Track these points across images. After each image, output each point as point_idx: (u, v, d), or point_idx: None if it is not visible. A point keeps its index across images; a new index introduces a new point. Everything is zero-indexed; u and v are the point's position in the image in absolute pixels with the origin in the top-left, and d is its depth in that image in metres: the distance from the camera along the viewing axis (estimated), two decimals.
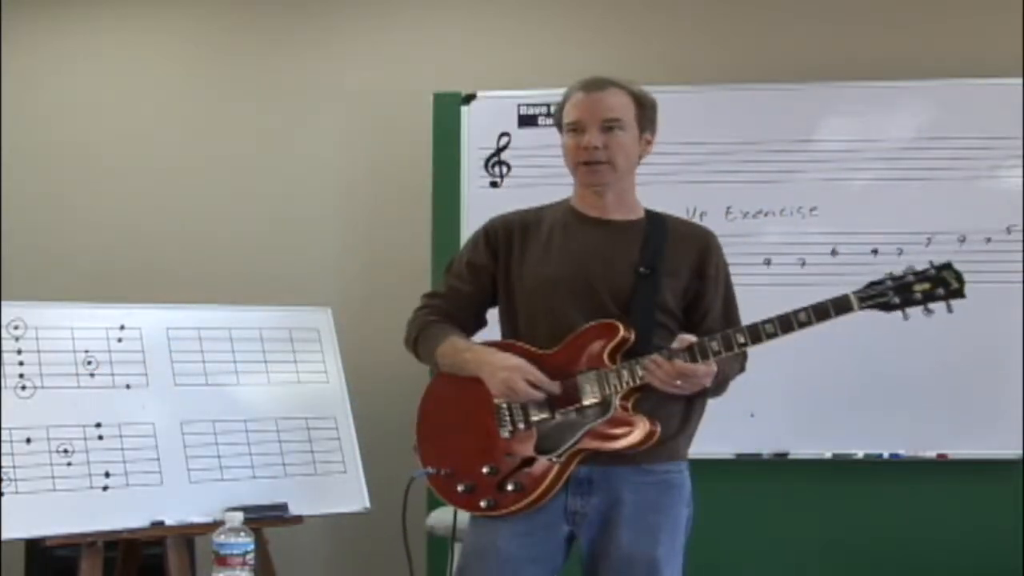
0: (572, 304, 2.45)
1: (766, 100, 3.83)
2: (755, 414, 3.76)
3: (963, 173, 3.73)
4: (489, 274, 2.56)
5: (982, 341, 3.69)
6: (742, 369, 2.54)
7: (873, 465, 3.76)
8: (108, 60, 4.45)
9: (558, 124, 2.56)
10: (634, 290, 2.44)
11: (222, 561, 2.38)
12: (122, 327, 3.20)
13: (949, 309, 2.28)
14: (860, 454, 3.76)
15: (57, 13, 4.46)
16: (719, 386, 2.46)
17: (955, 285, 2.27)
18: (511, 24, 4.25)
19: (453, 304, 2.59)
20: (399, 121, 4.19)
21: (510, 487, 2.41)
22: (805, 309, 2.29)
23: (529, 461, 2.41)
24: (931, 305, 2.29)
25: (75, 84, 4.45)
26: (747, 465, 3.81)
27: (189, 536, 3.22)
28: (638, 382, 2.36)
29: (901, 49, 3.94)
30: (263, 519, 3.10)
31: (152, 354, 3.21)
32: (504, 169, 3.92)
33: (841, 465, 3.77)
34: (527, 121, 3.91)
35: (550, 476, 2.39)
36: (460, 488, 2.45)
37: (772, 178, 3.80)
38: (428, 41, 4.27)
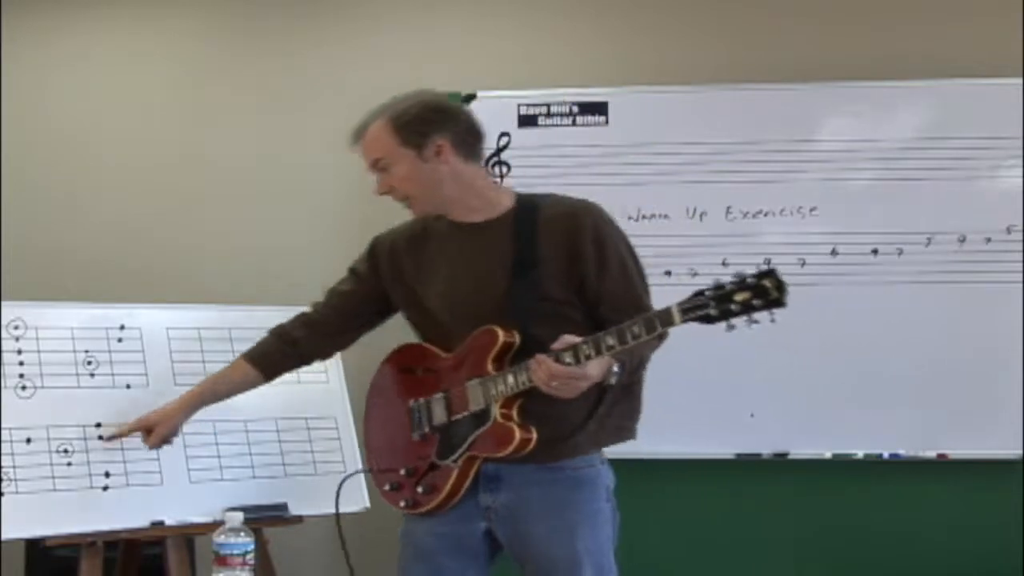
0: (457, 315, 2.46)
1: (766, 100, 3.83)
2: (755, 414, 3.77)
3: (963, 173, 3.73)
4: (369, 285, 2.64)
5: (982, 341, 3.70)
6: (658, 345, 2.39)
7: (873, 465, 3.76)
8: (108, 60, 4.45)
9: None
10: (511, 290, 2.40)
11: (222, 561, 2.38)
12: (122, 327, 3.20)
13: (772, 319, 2.07)
14: (860, 454, 3.76)
15: (57, 13, 4.46)
16: (629, 376, 2.38)
17: (775, 295, 2.05)
18: (511, 24, 4.25)
19: (333, 308, 2.71)
20: None
21: (420, 489, 2.49)
22: (637, 322, 2.18)
23: (435, 465, 2.48)
24: (755, 316, 2.08)
25: (75, 84, 4.45)
26: (747, 465, 3.81)
27: (189, 536, 3.22)
28: (520, 387, 2.33)
29: (901, 49, 3.94)
30: (263, 519, 3.10)
31: (152, 354, 3.21)
32: (504, 169, 3.92)
33: (841, 465, 3.77)
34: (527, 121, 3.91)
35: (452, 479, 2.44)
36: (387, 487, 2.59)
37: (772, 178, 3.80)
38: (428, 41, 4.27)
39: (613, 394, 2.41)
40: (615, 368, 2.31)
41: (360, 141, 2.50)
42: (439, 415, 2.49)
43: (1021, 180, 3.70)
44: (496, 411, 2.37)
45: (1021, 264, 3.68)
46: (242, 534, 2.40)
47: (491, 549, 2.53)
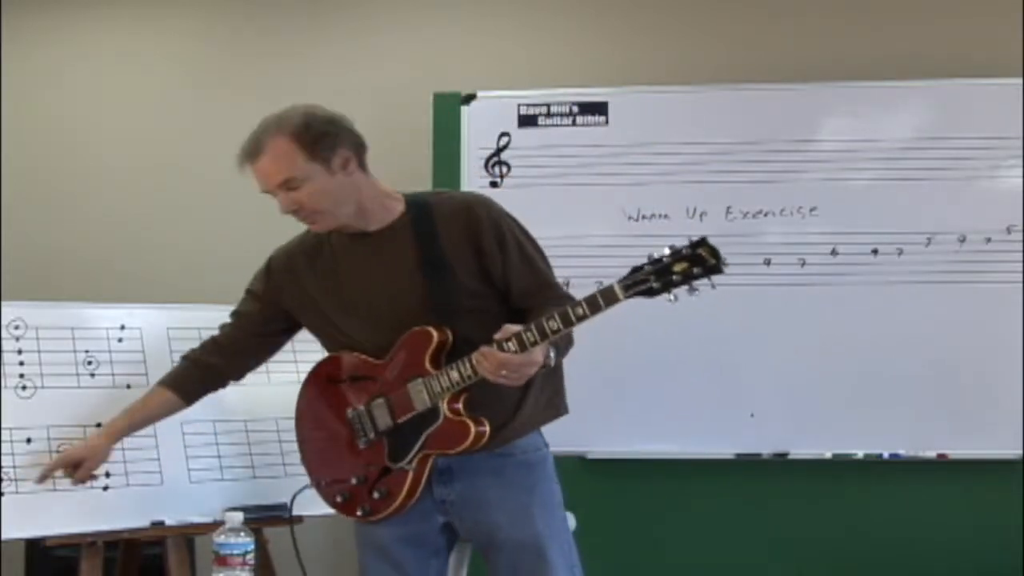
0: (376, 325, 2.46)
1: (766, 100, 3.83)
2: (755, 414, 3.76)
3: (963, 173, 3.73)
4: (268, 304, 2.63)
5: (982, 341, 3.69)
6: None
7: (873, 465, 3.76)
8: (108, 60, 4.45)
9: None
10: (428, 291, 2.41)
11: (222, 561, 2.38)
12: (122, 327, 3.20)
13: (712, 286, 2.15)
14: (860, 454, 3.76)
15: (57, 13, 4.46)
16: (559, 357, 2.40)
17: (711, 261, 2.12)
18: (511, 24, 4.25)
19: (239, 328, 2.71)
20: (399, 121, 4.19)
21: (376, 495, 2.48)
22: (581, 303, 2.22)
23: (387, 469, 2.48)
24: (695, 284, 2.15)
25: (75, 84, 4.45)
26: (747, 465, 3.81)
27: (189, 536, 3.22)
28: (466, 381, 2.35)
29: (901, 49, 3.94)
30: (263, 519, 3.10)
31: (152, 354, 3.20)
32: (504, 169, 3.92)
33: (841, 465, 3.77)
34: (527, 121, 3.91)
35: (408, 481, 2.45)
36: (339, 499, 2.58)
37: (772, 178, 3.79)
38: (428, 41, 4.27)
39: (541, 375, 2.40)
40: (551, 352, 2.33)
41: (256, 161, 2.44)
42: (383, 420, 2.48)
43: (1021, 180, 3.70)
44: (444, 408, 2.39)
45: (1021, 264, 3.67)
46: (242, 534, 2.40)
47: (449, 541, 2.57)
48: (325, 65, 4.32)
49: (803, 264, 3.74)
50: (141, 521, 3.00)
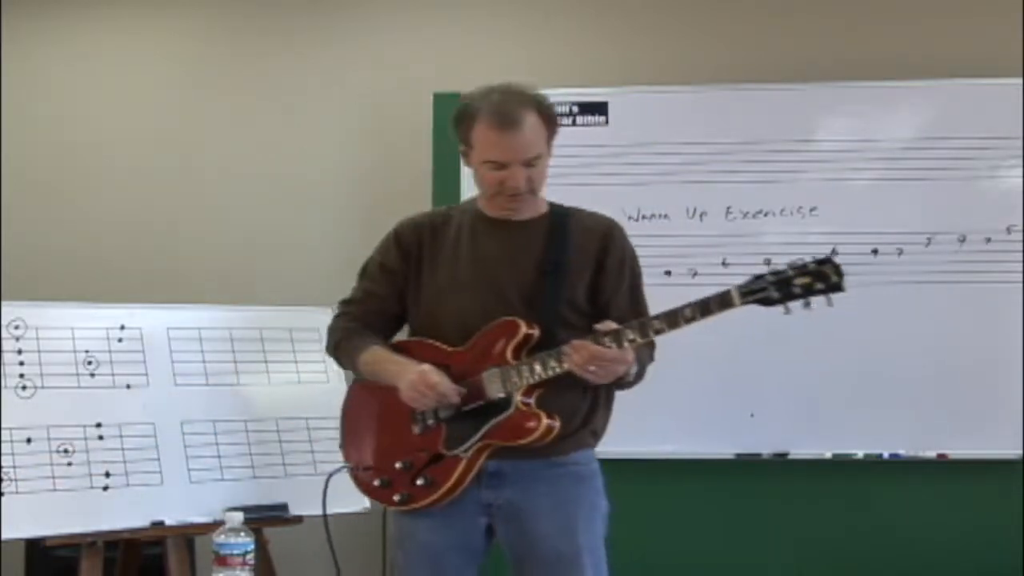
0: (478, 306, 2.45)
1: (766, 100, 3.83)
2: (755, 414, 3.76)
3: (963, 173, 3.73)
4: (402, 276, 2.57)
5: (982, 341, 3.70)
6: (651, 359, 2.51)
7: (873, 465, 3.76)
8: (108, 60, 4.45)
9: (463, 140, 2.47)
10: (539, 287, 2.44)
11: (222, 561, 2.38)
12: (122, 327, 3.20)
13: (829, 303, 2.24)
14: (860, 454, 3.76)
15: (57, 13, 4.46)
16: (636, 377, 2.44)
17: (835, 279, 2.23)
18: (511, 24, 4.25)
19: (369, 308, 2.61)
20: (399, 121, 4.19)
21: (420, 481, 2.46)
22: (691, 305, 2.26)
23: (439, 457, 2.45)
24: (812, 300, 2.24)
25: (75, 84, 4.45)
26: (747, 465, 3.81)
27: (189, 536, 3.22)
28: (548, 374, 2.36)
29: (901, 49, 3.94)
30: (263, 519, 3.10)
31: (152, 354, 3.21)
32: None
33: (841, 465, 3.77)
34: None
35: (458, 470, 2.43)
36: (377, 483, 2.53)
37: (772, 178, 3.80)
38: (428, 41, 4.27)
39: (605, 392, 2.49)
40: (634, 366, 2.37)
41: (516, 131, 2.38)
42: (446, 407, 2.46)
43: (1021, 180, 3.70)
44: (518, 399, 2.39)
45: (1021, 264, 3.67)
46: (242, 534, 2.40)
47: (486, 546, 2.54)
48: (325, 65, 4.32)
49: None
50: (141, 521, 3.01)
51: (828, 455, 3.77)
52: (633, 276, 2.52)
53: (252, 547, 2.41)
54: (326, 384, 3.43)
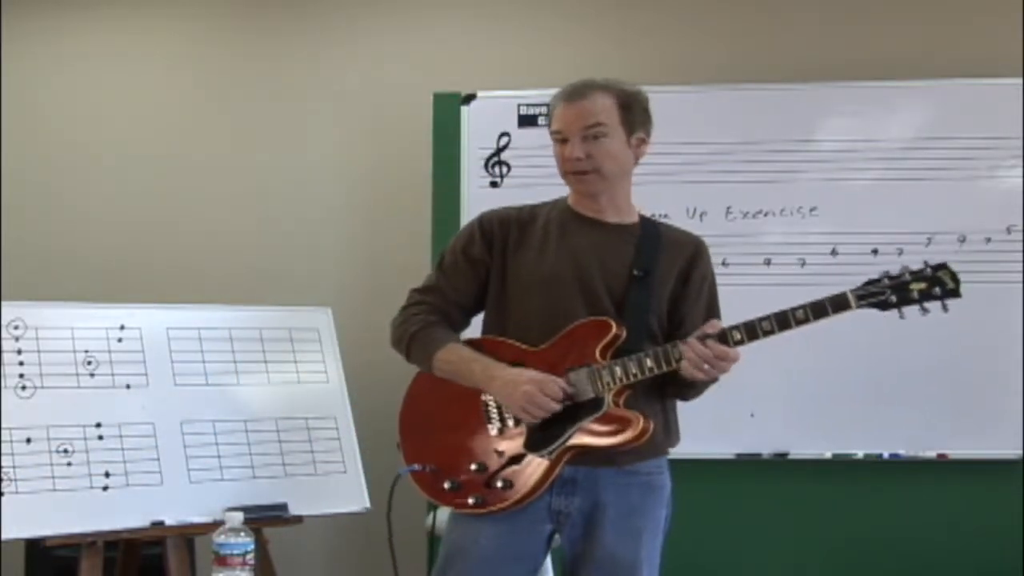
0: (569, 301, 2.43)
1: (766, 100, 3.83)
2: (755, 414, 3.76)
3: (963, 173, 3.73)
4: (485, 267, 2.51)
5: (982, 341, 3.69)
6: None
7: (873, 465, 3.76)
8: (108, 60, 4.45)
9: (549, 126, 2.52)
10: (628, 291, 2.43)
11: (222, 561, 2.38)
12: (122, 327, 3.20)
13: (944, 308, 2.31)
14: (860, 454, 3.76)
15: (57, 13, 4.46)
16: (705, 386, 2.48)
17: (951, 285, 2.29)
18: (511, 24, 4.25)
19: (447, 300, 2.53)
20: (399, 121, 4.19)
21: (499, 484, 2.39)
22: (803, 307, 2.30)
23: (518, 458, 2.40)
24: (927, 304, 2.31)
25: (75, 84, 4.45)
26: (747, 465, 3.81)
27: (189, 536, 3.22)
28: (636, 378, 2.34)
29: (901, 49, 3.94)
30: (263, 519, 3.10)
31: (152, 354, 3.21)
32: (504, 169, 3.92)
33: (841, 465, 3.77)
34: (527, 121, 3.91)
35: (539, 473, 2.38)
36: (446, 485, 2.44)
37: (772, 178, 3.80)
38: (428, 41, 4.27)
39: (673, 403, 2.52)
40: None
41: (575, 101, 2.45)
42: None
43: (1021, 180, 3.70)
44: (610, 399, 2.36)
45: (1021, 264, 3.68)
46: (242, 534, 2.40)
47: (545, 553, 2.50)
48: (325, 65, 4.32)
49: (803, 264, 3.74)
50: (141, 521, 3.00)
51: (828, 455, 3.77)
52: (711, 296, 2.54)
53: (252, 547, 2.41)
54: (326, 384, 3.44)
